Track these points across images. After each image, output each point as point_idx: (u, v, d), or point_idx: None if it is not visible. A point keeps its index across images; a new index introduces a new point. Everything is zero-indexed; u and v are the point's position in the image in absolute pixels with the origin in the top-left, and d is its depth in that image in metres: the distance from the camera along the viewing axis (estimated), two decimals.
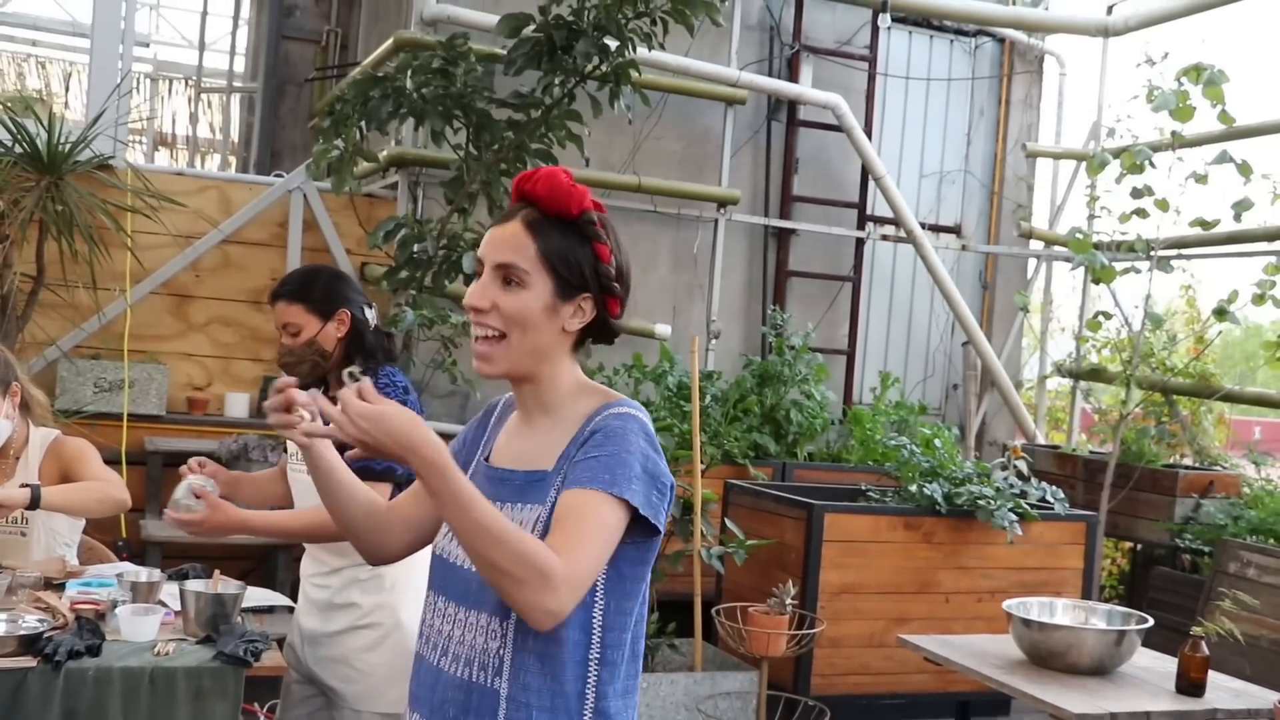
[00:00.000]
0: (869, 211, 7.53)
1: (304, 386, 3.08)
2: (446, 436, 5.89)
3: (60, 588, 3.06)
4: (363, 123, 5.15)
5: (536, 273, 1.72)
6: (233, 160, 10.10)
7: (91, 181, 5.50)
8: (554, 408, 1.78)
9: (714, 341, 6.96)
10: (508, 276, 1.72)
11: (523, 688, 1.67)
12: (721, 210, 6.98)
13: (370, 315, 3.00)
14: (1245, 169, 5.97)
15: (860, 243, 7.52)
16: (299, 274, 3.04)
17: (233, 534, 2.74)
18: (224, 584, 2.95)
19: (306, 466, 1.83)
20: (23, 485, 3.16)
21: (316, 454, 1.80)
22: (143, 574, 3.06)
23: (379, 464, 2.75)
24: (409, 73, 5.06)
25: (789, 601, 4.00)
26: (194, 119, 10.95)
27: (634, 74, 5.11)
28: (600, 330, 1.80)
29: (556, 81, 5.08)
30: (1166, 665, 3.57)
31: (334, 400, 2.96)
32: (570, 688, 1.68)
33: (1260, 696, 3.41)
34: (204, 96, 10.93)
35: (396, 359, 3.08)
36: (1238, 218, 6.20)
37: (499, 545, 1.54)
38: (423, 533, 1.88)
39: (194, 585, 2.90)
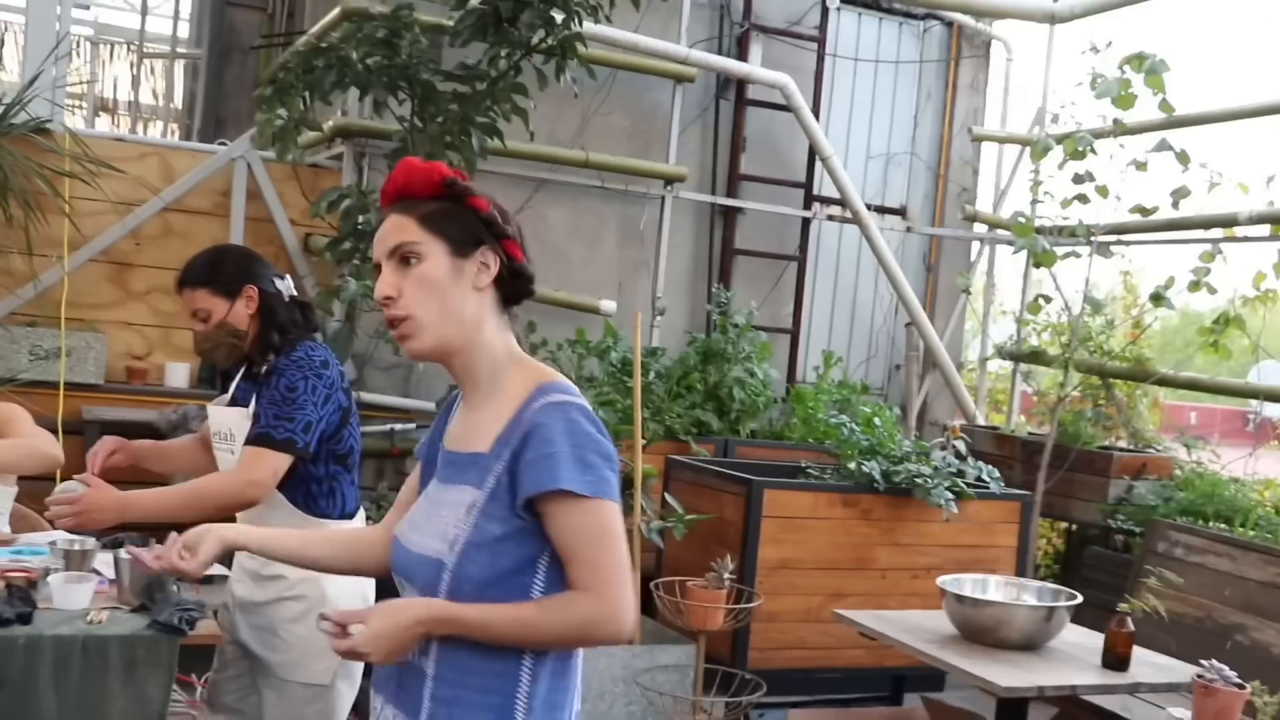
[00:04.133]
0: (815, 191, 7.57)
1: (225, 370, 3.09)
2: (391, 410, 5.92)
3: None
4: (307, 92, 5.11)
5: (425, 240, 1.75)
6: (175, 128, 9.95)
7: (28, 145, 5.41)
8: (483, 380, 1.80)
9: (659, 318, 6.98)
10: (403, 256, 1.76)
11: (450, 667, 1.71)
12: (668, 187, 6.99)
13: (283, 287, 2.96)
14: (1184, 157, 6.06)
15: (806, 222, 7.56)
16: (201, 257, 2.98)
17: (114, 517, 2.71)
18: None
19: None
20: None
21: (263, 549, 1.98)
22: (76, 542, 3.02)
23: (279, 434, 2.75)
24: (354, 43, 5.02)
25: (727, 576, 4.03)
26: (136, 84, 10.77)
27: (580, 47, 5.10)
28: (515, 283, 1.82)
29: (503, 54, 5.05)
30: (1094, 641, 3.63)
31: (253, 374, 2.94)
32: (498, 665, 1.70)
33: (1181, 671, 3.48)
34: (146, 62, 10.75)
35: (317, 328, 3.05)
36: (1176, 205, 6.29)
37: (535, 631, 1.67)
38: None
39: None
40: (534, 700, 1.71)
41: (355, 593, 2.84)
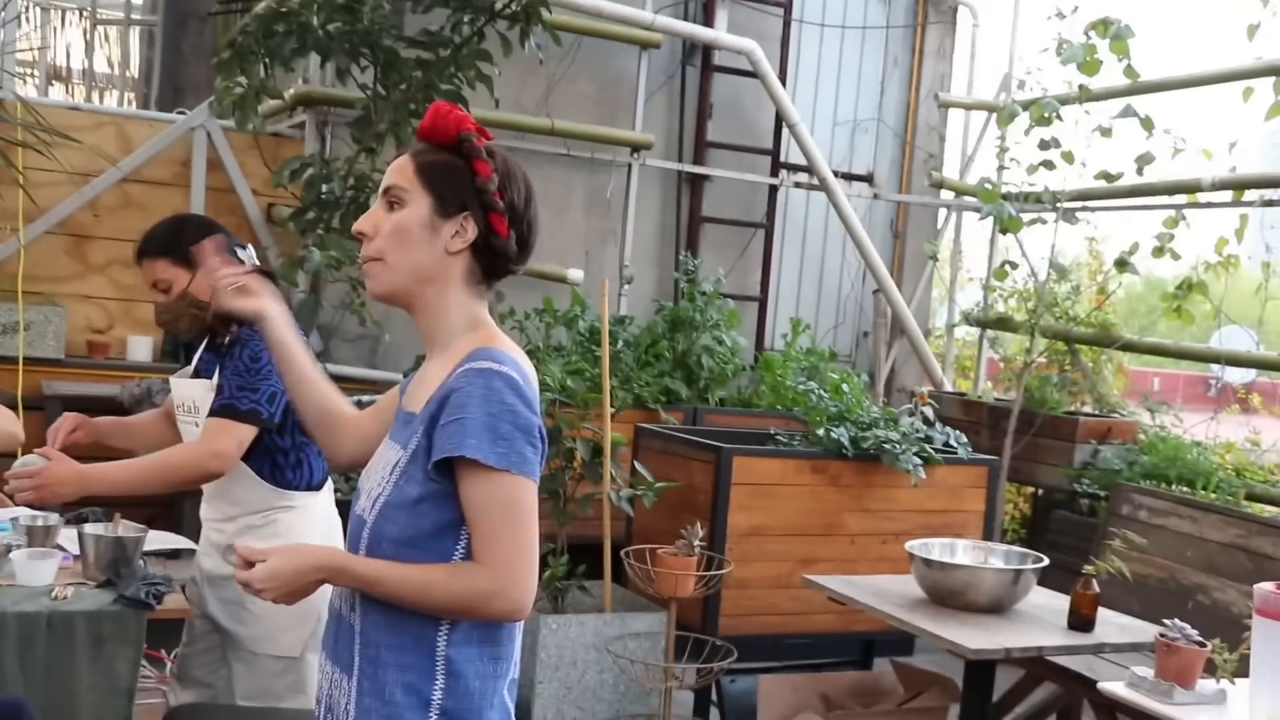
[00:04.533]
0: (783, 159, 7.55)
1: (188, 341, 3.06)
2: (358, 382, 5.87)
3: None
4: (267, 59, 5.03)
5: (415, 190, 1.76)
6: (132, 97, 9.80)
7: None
8: (440, 342, 1.80)
9: (627, 287, 6.96)
10: (390, 199, 1.77)
11: (372, 625, 1.72)
12: (635, 155, 6.96)
13: (245, 257, 2.91)
14: (1148, 123, 6.08)
15: (773, 190, 7.55)
16: (161, 227, 2.95)
17: (75, 490, 2.68)
18: (124, 527, 2.91)
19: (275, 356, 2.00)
20: None
21: (275, 340, 1.99)
22: (39, 518, 2.99)
23: (243, 405, 2.74)
24: (314, 8, 4.94)
25: (697, 543, 4.03)
26: (90, 52, 10.58)
27: (545, 13, 5.05)
28: (493, 257, 1.79)
29: (466, 19, 5.01)
30: (1060, 603, 3.66)
31: (216, 345, 2.91)
32: (413, 628, 1.70)
33: (1145, 631, 3.52)
34: (100, 29, 10.55)
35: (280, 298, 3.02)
36: (1140, 171, 6.32)
37: (427, 596, 1.66)
38: (373, 448, 1.92)
39: (93, 529, 2.86)
40: (455, 665, 1.70)
41: None
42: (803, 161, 7.34)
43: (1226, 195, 6.38)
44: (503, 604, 1.65)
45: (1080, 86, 6.24)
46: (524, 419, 1.67)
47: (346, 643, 1.75)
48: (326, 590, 1.81)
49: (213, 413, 2.78)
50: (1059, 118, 6.20)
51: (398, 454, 1.74)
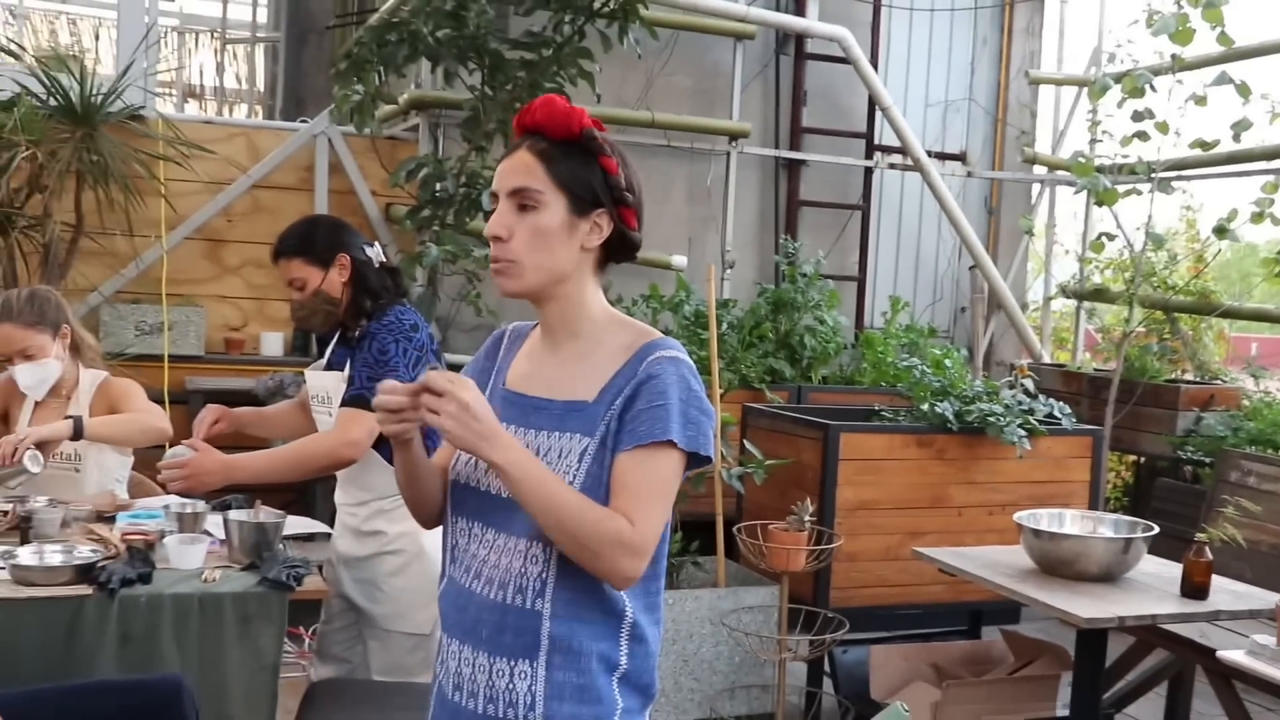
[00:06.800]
0: (876, 141, 7.62)
1: (321, 336, 3.21)
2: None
3: (111, 520, 3.16)
4: (381, 67, 5.24)
5: (550, 192, 1.74)
6: (259, 109, 10.19)
7: (124, 132, 5.65)
8: (583, 333, 1.80)
9: (729, 271, 7.09)
10: (523, 201, 1.75)
11: (565, 604, 1.71)
12: (733, 143, 7.08)
13: (373, 254, 3.02)
14: (1244, 89, 6.01)
15: (869, 172, 7.62)
16: (295, 228, 3.05)
17: (220, 479, 2.78)
18: (265, 513, 3.02)
19: (397, 464, 1.81)
20: (66, 417, 3.28)
21: (414, 452, 1.78)
22: (188, 505, 3.10)
23: (373, 395, 2.87)
24: (423, 16, 5.13)
25: (807, 518, 4.04)
26: (220, 70, 11.02)
27: (641, 9, 5.17)
28: (620, 245, 1.84)
29: (566, 19, 5.15)
30: (1171, 571, 3.63)
31: (347, 339, 3.00)
32: (602, 602, 1.75)
33: (1261, 598, 3.48)
34: (229, 48, 11.00)
35: (406, 293, 3.11)
36: (1237, 138, 6.24)
37: (579, 522, 1.62)
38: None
39: (237, 515, 2.97)
40: (639, 629, 1.78)
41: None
42: (896, 143, 7.38)
43: None
44: (633, 565, 1.65)
45: (1173, 56, 6.19)
46: (707, 405, 1.75)
47: (526, 629, 1.74)
48: (436, 567, 1.87)
49: (345, 403, 2.90)
50: (1152, 89, 6.16)
51: (584, 442, 1.74)
